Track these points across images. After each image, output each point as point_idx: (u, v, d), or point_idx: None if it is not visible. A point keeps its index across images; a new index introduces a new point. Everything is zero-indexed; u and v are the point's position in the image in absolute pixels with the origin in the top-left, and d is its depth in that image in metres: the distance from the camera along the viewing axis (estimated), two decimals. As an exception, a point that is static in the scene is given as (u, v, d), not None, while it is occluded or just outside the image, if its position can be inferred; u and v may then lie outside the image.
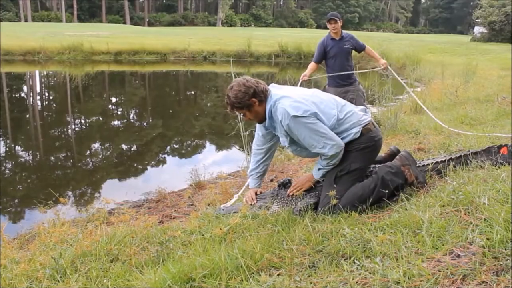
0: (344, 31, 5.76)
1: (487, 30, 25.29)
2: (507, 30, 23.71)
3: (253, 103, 2.68)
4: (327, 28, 5.73)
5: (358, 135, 2.71)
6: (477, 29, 28.02)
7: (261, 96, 2.68)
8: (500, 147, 2.98)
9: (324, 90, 5.60)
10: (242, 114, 2.79)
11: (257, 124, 2.99)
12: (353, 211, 2.53)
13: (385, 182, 2.65)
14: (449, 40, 28.43)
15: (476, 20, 27.44)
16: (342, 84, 5.73)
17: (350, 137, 2.70)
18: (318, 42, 5.79)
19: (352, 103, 3.56)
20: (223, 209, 2.97)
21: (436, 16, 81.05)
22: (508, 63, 12.68)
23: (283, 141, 2.78)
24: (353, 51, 5.82)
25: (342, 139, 2.69)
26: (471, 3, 51.52)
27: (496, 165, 2.83)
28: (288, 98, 2.64)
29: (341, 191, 2.64)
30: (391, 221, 2.27)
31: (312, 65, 5.75)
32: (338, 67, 5.69)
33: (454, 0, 76.17)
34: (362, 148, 2.72)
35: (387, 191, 2.62)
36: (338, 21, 5.55)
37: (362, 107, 3.00)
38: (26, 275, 2.23)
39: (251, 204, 2.92)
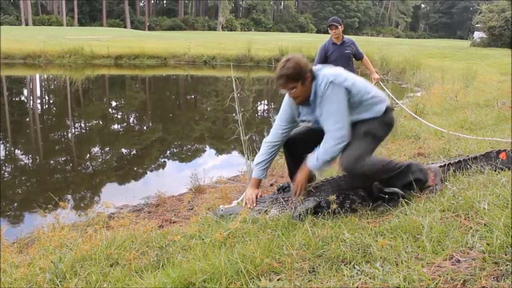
0: (346, 36, 5.79)
1: (486, 35, 25.36)
2: (506, 35, 23.77)
3: (307, 77, 2.73)
4: (328, 33, 5.76)
5: (384, 109, 2.80)
6: (477, 34, 28.09)
7: (313, 74, 2.77)
8: (499, 152, 2.99)
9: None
10: (292, 88, 2.74)
11: (280, 115, 2.97)
12: (353, 216, 2.52)
13: (410, 170, 2.72)
14: (449, 45, 28.52)
15: (476, 25, 27.54)
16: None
17: (377, 108, 2.78)
18: (320, 46, 5.81)
19: None
20: (222, 210, 2.98)
21: (436, 21, 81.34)
22: (507, 68, 12.72)
23: (313, 117, 2.83)
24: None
25: (372, 106, 2.78)
26: (471, 9, 51.68)
27: (496, 170, 2.84)
28: (330, 69, 2.82)
29: (366, 150, 2.68)
30: (391, 226, 2.27)
31: (314, 68, 5.78)
32: (339, 72, 5.71)
33: (454, 4, 76.48)
34: (384, 123, 2.81)
35: (407, 179, 2.67)
36: (339, 27, 5.58)
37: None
38: (25, 279, 2.22)
39: (250, 208, 2.92)
